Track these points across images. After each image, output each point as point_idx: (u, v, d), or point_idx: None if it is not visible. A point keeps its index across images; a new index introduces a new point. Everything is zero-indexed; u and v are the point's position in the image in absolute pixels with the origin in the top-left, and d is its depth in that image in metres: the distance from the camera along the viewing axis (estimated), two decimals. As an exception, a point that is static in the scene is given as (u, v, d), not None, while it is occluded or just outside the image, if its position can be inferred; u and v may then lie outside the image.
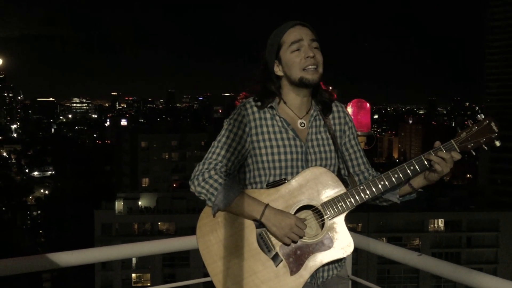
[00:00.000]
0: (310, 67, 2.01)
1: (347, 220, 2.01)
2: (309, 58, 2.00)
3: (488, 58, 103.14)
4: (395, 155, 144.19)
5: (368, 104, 3.30)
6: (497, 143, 1.94)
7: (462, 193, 52.62)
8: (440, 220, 47.28)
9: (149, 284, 43.67)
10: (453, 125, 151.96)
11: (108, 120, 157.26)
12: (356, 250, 2.11)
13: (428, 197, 46.75)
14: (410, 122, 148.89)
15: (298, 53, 2.01)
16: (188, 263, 42.39)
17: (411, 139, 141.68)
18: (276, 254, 1.94)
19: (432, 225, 47.35)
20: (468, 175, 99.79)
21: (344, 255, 1.98)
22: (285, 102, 2.09)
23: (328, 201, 1.97)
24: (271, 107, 2.07)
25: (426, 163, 1.96)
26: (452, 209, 47.41)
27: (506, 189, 75.08)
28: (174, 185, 64.97)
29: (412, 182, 2.04)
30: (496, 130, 1.94)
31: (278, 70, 2.07)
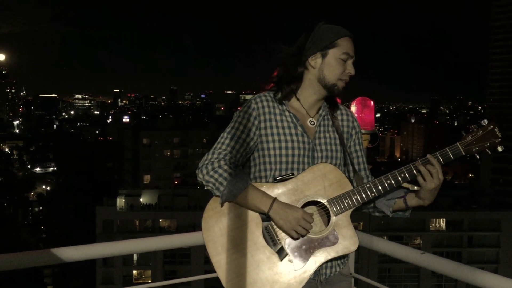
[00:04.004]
0: (344, 80, 2.09)
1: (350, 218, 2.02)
2: (349, 74, 2.08)
3: (491, 57, 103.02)
4: (397, 154, 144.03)
5: (372, 102, 3.29)
6: (500, 149, 2.02)
7: (464, 193, 52.50)
8: (441, 219, 47.23)
9: (150, 281, 43.67)
10: (456, 124, 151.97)
11: (110, 116, 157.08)
12: (358, 249, 2.12)
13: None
14: (413, 121, 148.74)
15: (343, 65, 2.06)
16: (189, 260, 42.45)
17: (413, 138, 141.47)
18: (282, 248, 1.96)
19: (433, 225, 47.30)
20: (470, 175, 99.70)
21: (349, 252, 2.00)
22: (298, 99, 2.12)
23: (335, 198, 1.99)
24: (282, 103, 2.09)
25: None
26: (454, 208, 47.33)
27: (508, 189, 75.00)
28: (176, 182, 65.04)
29: (407, 198, 2.09)
30: (500, 136, 2.02)
31: (314, 61, 2.07)
